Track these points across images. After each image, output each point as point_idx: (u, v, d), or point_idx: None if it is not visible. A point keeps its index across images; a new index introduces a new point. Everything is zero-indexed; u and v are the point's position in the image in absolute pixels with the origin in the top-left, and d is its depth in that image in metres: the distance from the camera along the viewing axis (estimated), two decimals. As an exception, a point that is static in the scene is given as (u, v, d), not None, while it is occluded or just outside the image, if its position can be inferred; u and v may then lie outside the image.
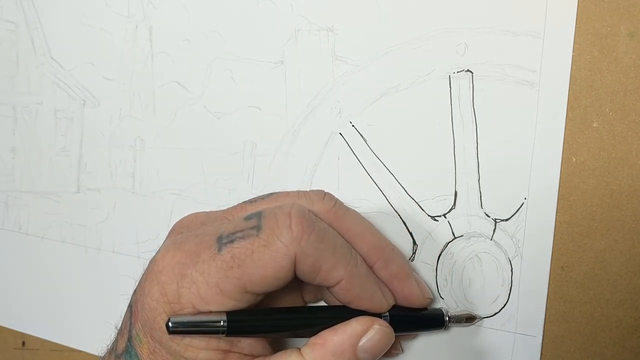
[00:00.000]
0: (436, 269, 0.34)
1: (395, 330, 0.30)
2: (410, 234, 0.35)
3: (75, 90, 0.45)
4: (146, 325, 0.28)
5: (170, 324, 0.27)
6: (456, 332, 0.34)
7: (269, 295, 0.31)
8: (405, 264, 0.32)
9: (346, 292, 0.29)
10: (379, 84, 0.35)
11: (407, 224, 0.35)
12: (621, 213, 0.31)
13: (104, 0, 0.43)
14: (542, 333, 0.32)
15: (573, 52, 0.31)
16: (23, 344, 0.48)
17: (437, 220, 0.34)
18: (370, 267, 0.31)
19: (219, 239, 0.28)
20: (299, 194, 0.31)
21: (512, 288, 0.33)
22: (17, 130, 0.48)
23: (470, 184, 0.33)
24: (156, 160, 0.42)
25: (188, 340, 0.28)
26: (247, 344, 0.29)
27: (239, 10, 0.39)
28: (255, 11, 0.38)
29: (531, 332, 0.32)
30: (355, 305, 0.30)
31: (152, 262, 0.29)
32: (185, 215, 0.33)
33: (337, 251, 0.29)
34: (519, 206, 0.32)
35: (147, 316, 0.28)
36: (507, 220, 0.33)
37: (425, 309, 0.33)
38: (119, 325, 0.31)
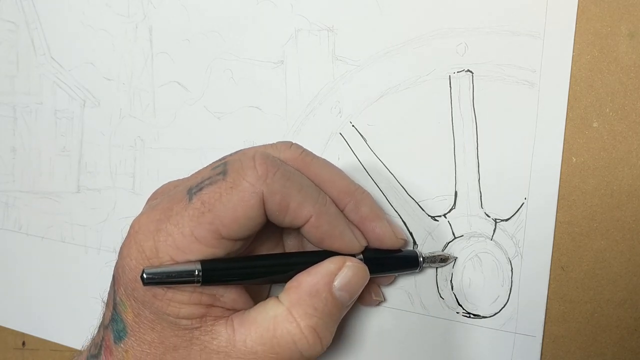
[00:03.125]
0: (436, 269, 0.34)
1: (371, 272, 0.31)
2: (411, 234, 0.35)
3: (75, 90, 0.45)
4: (128, 287, 0.28)
5: (144, 275, 0.27)
6: (456, 331, 0.34)
7: (252, 251, 0.31)
8: (376, 206, 0.33)
9: (316, 229, 0.29)
10: (379, 84, 0.35)
11: (407, 224, 0.35)
12: (621, 213, 0.31)
13: (104, 0, 0.43)
14: (542, 333, 0.32)
15: (573, 52, 0.31)
16: (23, 344, 0.48)
17: (437, 220, 0.34)
18: (342, 211, 0.31)
19: (189, 190, 0.28)
20: (265, 145, 0.32)
21: (512, 288, 0.33)
22: (17, 130, 0.48)
23: (470, 184, 0.33)
24: (156, 160, 0.42)
25: (170, 294, 0.28)
26: (229, 298, 0.29)
27: (239, 10, 0.39)
28: (255, 11, 0.38)
29: (531, 332, 0.32)
30: (326, 244, 0.30)
31: (130, 227, 0.29)
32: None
33: (304, 189, 0.29)
34: (519, 206, 0.32)
35: (127, 278, 0.28)
36: (507, 220, 0.33)
37: (400, 250, 0.33)
38: (105, 298, 0.31)
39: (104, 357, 0.30)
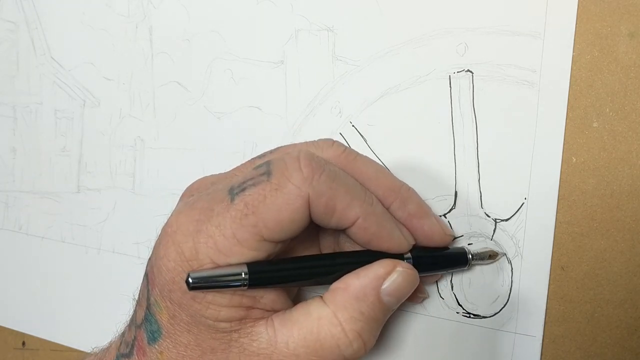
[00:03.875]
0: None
1: (420, 271, 0.30)
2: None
3: (75, 90, 0.45)
4: (164, 289, 0.27)
5: (190, 280, 0.26)
6: (456, 331, 0.34)
7: (287, 250, 0.30)
8: (423, 203, 0.32)
9: (364, 231, 0.28)
10: (379, 84, 0.35)
11: (407, 224, 0.35)
12: (621, 213, 0.31)
13: (104, 0, 0.43)
14: (542, 333, 0.32)
15: (573, 52, 0.31)
16: (23, 344, 0.48)
17: (437, 220, 0.34)
18: (387, 209, 0.30)
19: (231, 190, 0.27)
20: (307, 143, 0.31)
21: (512, 288, 0.33)
22: (17, 130, 0.48)
23: (470, 184, 0.33)
24: (156, 160, 0.42)
25: (210, 297, 0.27)
26: (269, 299, 0.28)
27: (239, 10, 0.39)
28: (255, 11, 0.38)
29: (531, 332, 0.32)
30: (374, 245, 0.29)
31: (166, 225, 0.28)
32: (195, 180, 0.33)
33: (351, 189, 0.28)
34: (519, 206, 0.32)
35: (164, 279, 0.27)
36: (507, 220, 0.33)
37: (447, 248, 0.32)
38: (137, 295, 0.30)
39: (136, 357, 0.29)
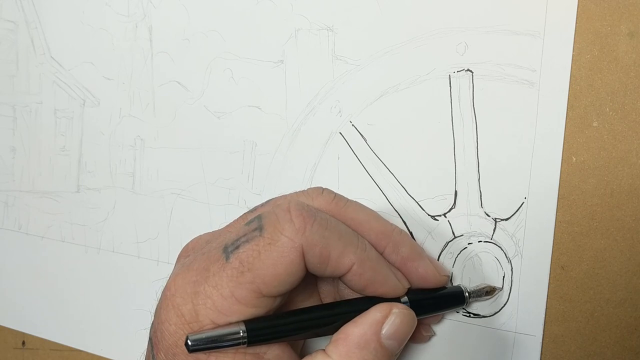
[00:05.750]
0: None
1: (417, 314, 0.30)
2: (411, 233, 0.35)
3: (75, 90, 0.45)
4: (169, 352, 0.28)
5: (189, 342, 0.26)
6: (456, 331, 0.34)
7: (287, 302, 0.30)
8: (416, 245, 0.32)
9: (359, 277, 0.28)
10: (379, 84, 0.35)
11: (407, 224, 0.35)
12: (621, 212, 0.31)
13: (103, -1, 0.43)
14: (542, 333, 0.32)
15: (573, 51, 0.31)
16: (23, 343, 0.48)
17: (437, 220, 0.34)
18: (381, 254, 0.30)
19: (225, 248, 0.28)
20: (297, 193, 0.31)
21: (512, 288, 0.33)
22: (17, 130, 0.48)
23: (470, 184, 0.33)
24: (156, 160, 0.42)
25: (214, 358, 0.27)
26: (273, 354, 0.28)
27: (238, 10, 0.39)
28: (255, 11, 0.38)
29: (531, 331, 0.32)
30: (370, 291, 0.29)
31: (165, 288, 0.29)
32: (191, 239, 0.33)
33: (344, 237, 0.28)
34: (519, 206, 0.32)
35: (167, 343, 0.28)
36: (507, 219, 0.33)
37: (443, 288, 0.32)
38: None
39: None
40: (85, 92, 0.45)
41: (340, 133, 0.36)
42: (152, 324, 0.29)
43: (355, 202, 0.32)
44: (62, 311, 0.46)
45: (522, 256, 0.32)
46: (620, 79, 0.30)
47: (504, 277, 0.33)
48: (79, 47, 0.45)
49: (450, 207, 0.34)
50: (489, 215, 0.33)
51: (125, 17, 0.43)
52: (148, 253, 0.43)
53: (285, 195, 0.32)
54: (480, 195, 0.33)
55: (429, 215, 0.34)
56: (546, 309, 0.32)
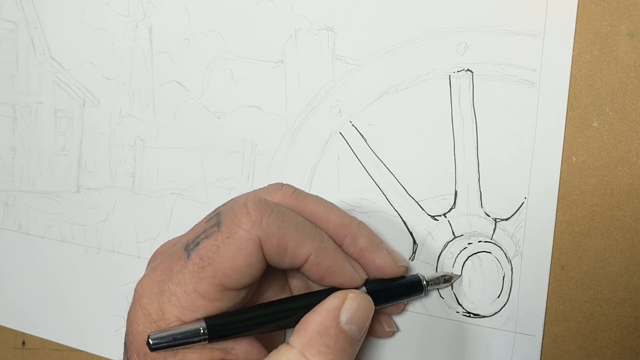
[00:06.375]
0: (436, 269, 0.34)
1: (376, 303, 0.30)
2: (411, 233, 0.35)
3: (75, 90, 0.45)
4: (140, 353, 0.28)
5: (150, 341, 0.27)
6: (456, 331, 0.34)
7: (259, 299, 0.31)
8: (374, 237, 0.32)
9: (316, 267, 0.29)
10: (379, 84, 0.35)
11: (407, 224, 0.35)
12: (621, 212, 0.31)
13: (103, -1, 0.43)
14: (542, 332, 0.32)
15: (573, 51, 0.31)
16: (23, 343, 0.48)
17: (437, 220, 0.34)
18: (339, 246, 0.31)
19: (186, 247, 0.28)
20: (257, 190, 0.32)
21: (512, 288, 0.33)
22: (17, 130, 0.48)
23: (470, 184, 0.33)
24: (156, 160, 0.42)
25: (180, 355, 0.28)
26: (241, 350, 0.29)
27: (238, 10, 0.39)
28: (255, 11, 0.38)
29: (531, 331, 0.32)
30: (328, 281, 0.30)
31: (134, 292, 0.29)
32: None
33: (300, 228, 0.29)
34: (519, 206, 0.32)
35: (137, 344, 0.28)
36: (507, 219, 0.33)
37: (402, 277, 0.33)
38: None
39: None
40: (85, 92, 0.45)
41: (340, 133, 0.36)
42: (126, 328, 0.30)
43: (315, 195, 0.32)
44: (62, 311, 0.46)
45: (522, 256, 0.32)
46: (620, 79, 0.30)
47: (504, 277, 0.33)
48: (79, 47, 0.45)
49: (450, 207, 0.34)
50: (489, 215, 0.33)
51: (125, 17, 0.43)
52: (148, 253, 0.42)
53: (245, 193, 0.32)
54: (480, 195, 0.33)
55: (429, 215, 0.34)
56: (546, 309, 0.32)
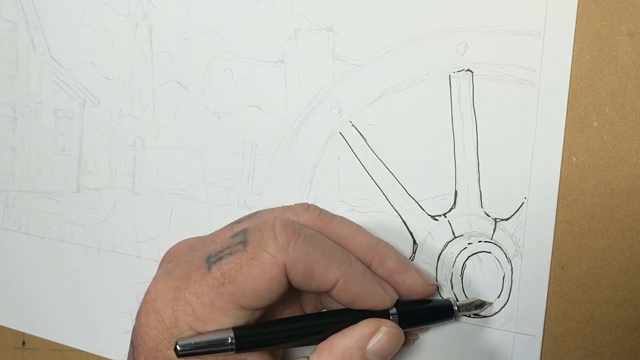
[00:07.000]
0: (436, 269, 0.34)
1: (405, 326, 0.30)
2: (411, 233, 0.35)
3: (75, 90, 0.45)
4: (149, 356, 0.28)
5: (178, 347, 0.27)
6: (456, 331, 0.34)
7: (268, 312, 0.31)
8: (402, 257, 0.32)
9: (345, 292, 0.29)
10: (379, 84, 0.35)
11: (407, 224, 0.35)
12: (621, 212, 0.31)
13: (103, -1, 0.43)
14: (542, 332, 0.32)
15: (573, 51, 0.31)
16: (23, 343, 0.48)
17: (437, 220, 0.34)
18: (368, 267, 0.31)
19: (208, 259, 0.28)
20: (284, 208, 0.32)
21: (512, 288, 0.33)
22: (17, 130, 0.48)
23: (470, 184, 0.33)
24: (156, 160, 0.42)
25: None
26: None
27: (238, 10, 0.39)
28: (255, 11, 0.38)
29: (531, 331, 0.32)
30: (357, 305, 0.29)
31: (146, 293, 0.29)
32: (175, 243, 0.33)
33: (328, 252, 0.29)
34: (519, 206, 0.32)
35: (148, 346, 0.28)
36: (507, 219, 0.33)
37: (431, 300, 0.32)
38: None
39: None
40: (85, 92, 0.45)
41: (340, 133, 0.36)
42: (134, 326, 0.30)
43: (341, 217, 0.32)
44: (62, 311, 0.46)
45: (522, 256, 0.32)
46: (620, 79, 0.30)
47: (504, 277, 0.33)
48: (79, 47, 0.45)
49: (450, 207, 0.34)
50: (489, 215, 0.33)
51: (125, 17, 0.43)
52: (148, 253, 0.42)
53: (273, 209, 0.32)
54: (480, 195, 0.33)
55: (429, 215, 0.34)
56: (546, 309, 0.32)
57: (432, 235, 0.34)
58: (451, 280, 0.34)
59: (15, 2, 0.47)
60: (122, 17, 0.43)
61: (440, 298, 0.34)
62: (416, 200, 0.35)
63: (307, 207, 0.31)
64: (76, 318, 0.46)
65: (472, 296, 0.33)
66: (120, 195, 0.44)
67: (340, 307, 0.30)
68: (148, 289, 0.29)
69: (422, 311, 0.32)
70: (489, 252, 0.33)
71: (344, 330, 0.29)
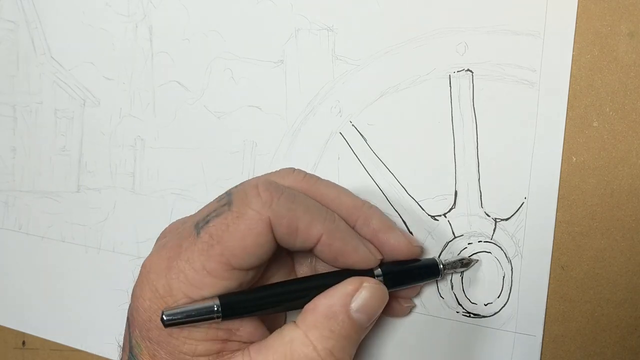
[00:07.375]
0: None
1: (391, 286, 0.30)
2: (411, 233, 0.35)
3: (75, 90, 0.45)
4: (143, 328, 0.28)
5: (164, 317, 0.27)
6: (456, 331, 0.34)
7: (263, 277, 0.31)
8: (386, 218, 0.32)
9: (329, 247, 0.29)
10: (379, 84, 0.35)
11: (408, 224, 0.35)
12: (621, 212, 0.31)
13: (104, -1, 0.43)
14: (542, 333, 0.32)
15: (573, 51, 0.31)
16: (23, 343, 0.48)
17: (437, 220, 0.34)
18: (352, 228, 0.31)
19: (196, 225, 0.28)
20: (269, 173, 0.32)
21: (512, 288, 0.33)
22: (17, 130, 0.48)
23: (470, 184, 0.33)
24: (156, 160, 0.42)
25: (186, 333, 0.28)
26: (245, 331, 0.29)
27: (238, 10, 0.39)
28: (255, 11, 0.38)
29: (531, 331, 0.32)
30: (341, 262, 0.30)
31: (141, 267, 0.29)
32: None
33: (311, 209, 0.29)
34: (519, 206, 0.32)
35: (142, 319, 0.28)
36: (507, 219, 0.33)
37: (418, 260, 0.32)
38: (121, 342, 0.31)
39: None
40: (85, 92, 0.45)
41: (340, 133, 0.36)
42: (130, 304, 0.30)
43: (327, 180, 0.32)
44: (62, 311, 0.46)
45: (522, 256, 0.32)
46: (620, 79, 0.30)
47: (504, 277, 0.33)
48: (79, 47, 0.45)
49: (450, 207, 0.34)
50: (489, 215, 0.33)
51: (125, 17, 0.43)
52: (148, 253, 0.42)
53: (257, 176, 0.32)
54: (480, 195, 0.33)
55: (429, 215, 0.34)
56: (546, 309, 0.32)
57: (432, 235, 0.34)
58: (451, 280, 0.34)
59: (15, 2, 0.47)
60: (122, 17, 0.43)
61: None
62: (416, 200, 0.35)
63: (292, 171, 0.32)
64: (76, 318, 0.46)
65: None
66: (120, 195, 0.44)
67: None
68: (143, 263, 0.29)
69: (406, 270, 0.32)
70: (489, 252, 0.33)
71: (327, 290, 0.29)
